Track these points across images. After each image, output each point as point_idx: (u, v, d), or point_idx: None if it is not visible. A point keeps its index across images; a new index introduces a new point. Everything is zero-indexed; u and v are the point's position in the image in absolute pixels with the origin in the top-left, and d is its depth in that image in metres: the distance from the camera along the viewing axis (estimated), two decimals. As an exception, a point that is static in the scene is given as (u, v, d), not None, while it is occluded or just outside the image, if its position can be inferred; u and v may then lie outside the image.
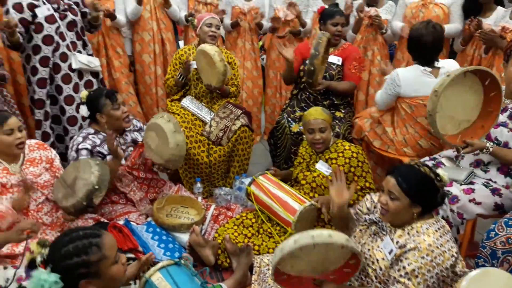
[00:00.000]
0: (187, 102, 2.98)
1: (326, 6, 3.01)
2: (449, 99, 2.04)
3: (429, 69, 2.42)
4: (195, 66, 2.90)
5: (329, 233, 1.42)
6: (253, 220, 2.31)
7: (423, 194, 1.58)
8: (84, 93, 2.38)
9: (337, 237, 1.43)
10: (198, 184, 2.80)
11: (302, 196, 2.24)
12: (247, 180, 2.81)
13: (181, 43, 4.09)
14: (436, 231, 1.56)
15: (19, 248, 1.94)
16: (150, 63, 3.65)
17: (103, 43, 3.52)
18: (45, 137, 2.87)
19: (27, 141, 2.16)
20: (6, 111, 2.69)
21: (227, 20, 3.82)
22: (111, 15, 3.35)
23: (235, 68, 3.09)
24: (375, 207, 1.85)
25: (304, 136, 2.85)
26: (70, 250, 1.25)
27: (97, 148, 2.31)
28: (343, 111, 2.96)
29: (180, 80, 2.96)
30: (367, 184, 2.29)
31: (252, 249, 2.09)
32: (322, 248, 1.45)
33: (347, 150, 2.30)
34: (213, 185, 2.97)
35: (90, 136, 2.32)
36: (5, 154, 2.02)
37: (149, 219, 2.33)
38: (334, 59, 2.96)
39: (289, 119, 2.97)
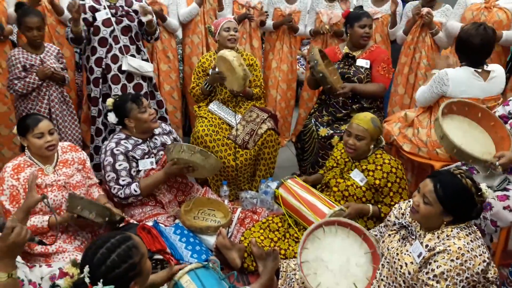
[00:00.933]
0: (214, 106, 3.01)
1: (351, 10, 2.99)
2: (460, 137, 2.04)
3: (479, 71, 2.38)
4: (214, 71, 2.92)
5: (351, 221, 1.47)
6: (280, 224, 2.30)
7: (458, 206, 1.54)
8: (110, 100, 2.45)
9: (357, 224, 1.51)
10: (225, 187, 2.82)
11: (331, 201, 2.22)
12: (273, 184, 2.82)
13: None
14: (467, 235, 1.52)
15: (53, 247, 2.01)
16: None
17: (155, 47, 3.58)
18: (98, 132, 3.03)
19: (60, 143, 2.23)
20: (65, 110, 2.97)
21: (269, 21, 3.83)
22: (162, 17, 3.42)
23: (257, 69, 3.10)
24: (403, 214, 1.82)
25: (332, 140, 2.83)
26: (116, 259, 1.28)
27: (130, 153, 2.38)
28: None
29: (206, 88, 3.00)
30: (402, 201, 2.23)
31: (278, 253, 2.08)
32: (343, 241, 1.46)
33: (386, 164, 2.23)
34: (239, 188, 2.99)
35: (122, 142, 2.39)
36: (39, 156, 2.09)
37: (177, 221, 2.36)
38: (362, 62, 2.92)
39: (317, 123, 2.95)
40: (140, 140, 2.45)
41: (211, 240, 2.28)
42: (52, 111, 2.89)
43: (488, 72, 2.39)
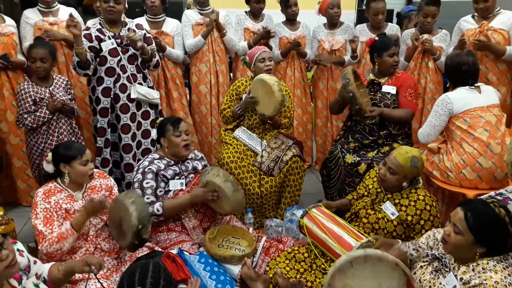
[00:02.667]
0: (239, 133, 3.02)
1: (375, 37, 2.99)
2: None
3: (472, 87, 2.63)
4: (249, 96, 2.94)
5: (382, 252, 1.42)
6: (306, 255, 2.24)
7: (490, 236, 1.47)
8: (160, 118, 2.54)
9: (390, 256, 1.42)
10: (250, 215, 2.79)
11: (359, 232, 2.15)
12: (298, 212, 2.77)
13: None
14: (505, 268, 1.45)
15: (79, 274, 2.02)
16: (206, 93, 3.78)
17: (163, 76, 3.70)
18: (104, 163, 3.04)
19: None
20: (74, 141, 2.92)
21: (277, 51, 3.89)
22: (161, 47, 3.50)
23: (289, 101, 3.11)
24: (436, 245, 1.75)
25: (359, 168, 2.78)
26: (165, 285, 1.31)
27: (162, 172, 2.41)
28: (401, 143, 2.86)
29: (238, 111, 3.02)
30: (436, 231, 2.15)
31: (304, 285, 2.02)
32: (374, 266, 1.39)
33: (421, 201, 2.14)
34: (264, 216, 2.95)
35: (155, 161, 2.44)
36: (75, 183, 2.15)
37: (201, 249, 2.34)
38: (389, 88, 2.89)
39: (343, 149, 2.91)
40: (173, 162, 2.49)
41: (235, 269, 2.24)
42: None
43: (478, 86, 2.64)
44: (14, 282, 1.51)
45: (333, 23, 3.84)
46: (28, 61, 2.88)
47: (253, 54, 2.99)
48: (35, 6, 3.37)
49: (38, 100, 2.81)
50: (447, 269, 1.58)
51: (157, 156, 2.49)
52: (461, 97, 2.58)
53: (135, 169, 2.47)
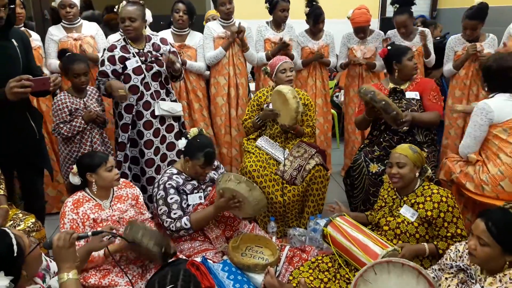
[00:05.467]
0: (262, 142, 3.04)
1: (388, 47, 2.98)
2: None
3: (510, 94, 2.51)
4: (271, 107, 2.96)
5: (404, 260, 1.40)
6: (330, 264, 2.22)
7: None
8: (194, 130, 2.52)
9: (412, 262, 1.40)
10: (272, 223, 2.79)
11: (384, 240, 2.12)
12: (322, 221, 2.74)
13: (251, 85, 4.27)
14: None
15: (106, 280, 2.06)
16: (222, 105, 3.82)
17: (184, 87, 3.77)
18: (123, 177, 3.07)
19: None
20: (105, 151, 3.04)
21: (299, 61, 3.91)
22: (182, 60, 3.57)
23: (311, 110, 3.10)
24: (460, 257, 1.70)
25: (384, 177, 2.74)
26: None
27: (181, 187, 2.44)
28: (426, 150, 2.80)
29: (258, 122, 3.04)
30: (458, 231, 2.10)
31: (328, 295, 2.01)
32: (398, 275, 1.37)
33: (436, 194, 2.14)
34: (287, 225, 2.94)
35: (174, 177, 2.46)
36: (102, 190, 2.21)
37: (225, 257, 2.35)
38: (412, 94, 2.85)
39: (367, 158, 2.88)
40: (190, 177, 2.51)
41: (259, 278, 2.24)
42: None
43: None
44: (38, 280, 1.57)
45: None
46: (67, 75, 2.97)
47: (275, 65, 3.01)
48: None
49: (73, 110, 2.92)
50: (473, 281, 1.54)
51: (175, 171, 2.49)
52: (502, 105, 2.44)
53: (155, 184, 2.48)
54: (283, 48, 3.72)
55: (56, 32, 3.46)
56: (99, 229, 2.04)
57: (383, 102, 2.57)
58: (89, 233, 1.74)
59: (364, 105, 2.80)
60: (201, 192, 2.49)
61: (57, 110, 2.92)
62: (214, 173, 2.63)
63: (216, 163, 2.72)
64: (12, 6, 2.28)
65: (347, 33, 3.95)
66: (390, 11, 4.65)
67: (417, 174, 2.22)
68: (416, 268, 1.66)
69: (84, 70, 2.91)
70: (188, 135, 2.52)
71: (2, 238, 1.39)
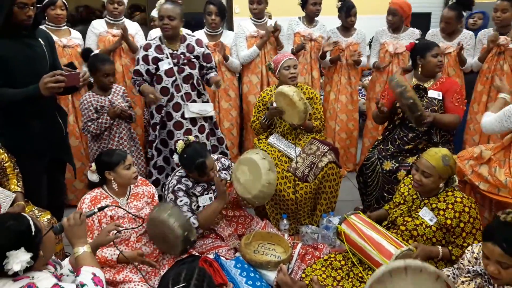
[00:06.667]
0: (273, 139, 3.03)
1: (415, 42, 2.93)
2: None
3: None
4: (275, 105, 2.95)
5: (423, 263, 1.36)
6: (343, 262, 2.21)
7: None
8: (180, 144, 2.44)
9: (432, 267, 1.34)
10: (285, 221, 2.78)
11: (399, 240, 2.10)
12: (334, 219, 2.74)
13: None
14: None
15: (120, 276, 2.09)
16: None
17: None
18: (150, 174, 3.18)
19: None
20: (133, 146, 3.16)
21: (327, 58, 3.91)
22: (225, 56, 3.62)
23: (317, 102, 3.09)
24: (476, 259, 1.68)
25: (398, 175, 2.72)
26: (210, 285, 1.35)
27: (191, 190, 2.44)
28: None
29: (265, 122, 3.04)
30: (476, 242, 2.05)
31: (341, 293, 2.00)
32: (413, 276, 1.35)
33: (459, 203, 2.07)
34: (299, 222, 2.94)
35: (183, 180, 2.46)
36: (120, 188, 2.23)
37: (237, 254, 2.36)
38: (434, 93, 2.78)
39: (380, 156, 2.85)
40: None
41: (271, 275, 2.24)
42: (121, 148, 3.04)
43: None
44: (51, 267, 1.61)
45: (396, 26, 3.83)
46: (95, 75, 3.00)
47: (279, 61, 2.99)
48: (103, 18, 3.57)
49: (99, 108, 2.99)
50: (491, 287, 1.52)
51: (184, 173, 2.49)
52: None
53: (165, 187, 2.49)
54: (303, 48, 3.74)
55: (98, 25, 3.51)
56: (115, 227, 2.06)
57: (411, 101, 2.50)
58: (96, 209, 1.82)
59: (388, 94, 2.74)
60: (211, 193, 2.49)
61: (84, 109, 3.00)
62: (225, 173, 2.62)
63: (227, 163, 2.68)
64: (38, 5, 2.33)
65: (380, 29, 3.93)
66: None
67: (442, 185, 2.14)
68: (436, 272, 1.59)
69: (113, 70, 3.02)
70: (177, 151, 2.46)
71: (21, 219, 1.46)
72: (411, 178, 2.23)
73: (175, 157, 2.48)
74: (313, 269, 2.22)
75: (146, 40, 3.63)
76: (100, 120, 2.98)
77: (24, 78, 2.25)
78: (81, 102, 3.02)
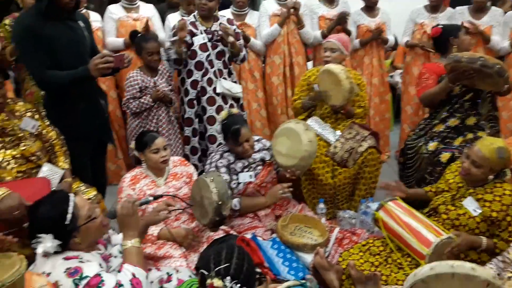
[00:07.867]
0: (312, 122, 2.99)
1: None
2: None
3: None
4: (317, 89, 2.90)
5: (472, 266, 1.26)
6: (381, 248, 2.17)
7: None
8: (223, 113, 2.54)
9: (481, 271, 1.25)
10: (321, 205, 2.76)
11: (439, 228, 2.04)
12: (373, 205, 2.69)
13: (309, 63, 4.17)
14: None
15: (161, 251, 2.16)
16: (278, 84, 3.79)
17: (241, 66, 3.76)
18: (193, 151, 3.21)
19: (172, 158, 2.41)
20: (170, 129, 3.19)
21: (355, 40, 3.79)
22: (246, 38, 3.58)
23: (363, 90, 3.01)
24: None
25: (441, 156, 2.62)
26: (248, 267, 1.35)
27: (232, 165, 2.48)
28: (488, 131, 2.65)
29: (308, 104, 3.00)
30: None
31: (379, 278, 1.97)
32: (461, 282, 1.28)
33: (507, 196, 1.97)
34: (336, 207, 2.91)
35: (225, 154, 2.51)
36: (153, 169, 2.28)
37: (274, 235, 2.38)
38: None
39: (426, 137, 2.76)
40: None
41: (308, 258, 2.25)
42: (160, 130, 3.10)
43: None
44: (101, 247, 1.67)
45: (435, 6, 3.70)
46: (141, 54, 3.09)
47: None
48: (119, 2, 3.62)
49: (143, 88, 3.06)
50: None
51: (226, 148, 2.55)
52: None
53: (208, 161, 2.55)
54: (340, 22, 3.63)
55: (115, 10, 3.58)
56: (154, 201, 2.12)
57: (498, 66, 2.36)
58: (150, 198, 1.82)
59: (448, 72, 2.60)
60: (251, 171, 2.52)
61: (129, 86, 3.06)
62: (265, 153, 2.63)
63: (267, 143, 2.68)
64: None
65: (416, 8, 3.79)
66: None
67: (491, 177, 2.04)
68: (486, 279, 1.34)
69: (157, 48, 3.06)
70: (221, 119, 2.54)
71: (60, 203, 1.49)
72: (458, 165, 2.15)
73: (218, 127, 2.56)
74: (350, 254, 2.20)
75: (162, 22, 3.68)
76: (142, 100, 3.04)
77: (68, 60, 2.30)
78: (128, 78, 3.07)
